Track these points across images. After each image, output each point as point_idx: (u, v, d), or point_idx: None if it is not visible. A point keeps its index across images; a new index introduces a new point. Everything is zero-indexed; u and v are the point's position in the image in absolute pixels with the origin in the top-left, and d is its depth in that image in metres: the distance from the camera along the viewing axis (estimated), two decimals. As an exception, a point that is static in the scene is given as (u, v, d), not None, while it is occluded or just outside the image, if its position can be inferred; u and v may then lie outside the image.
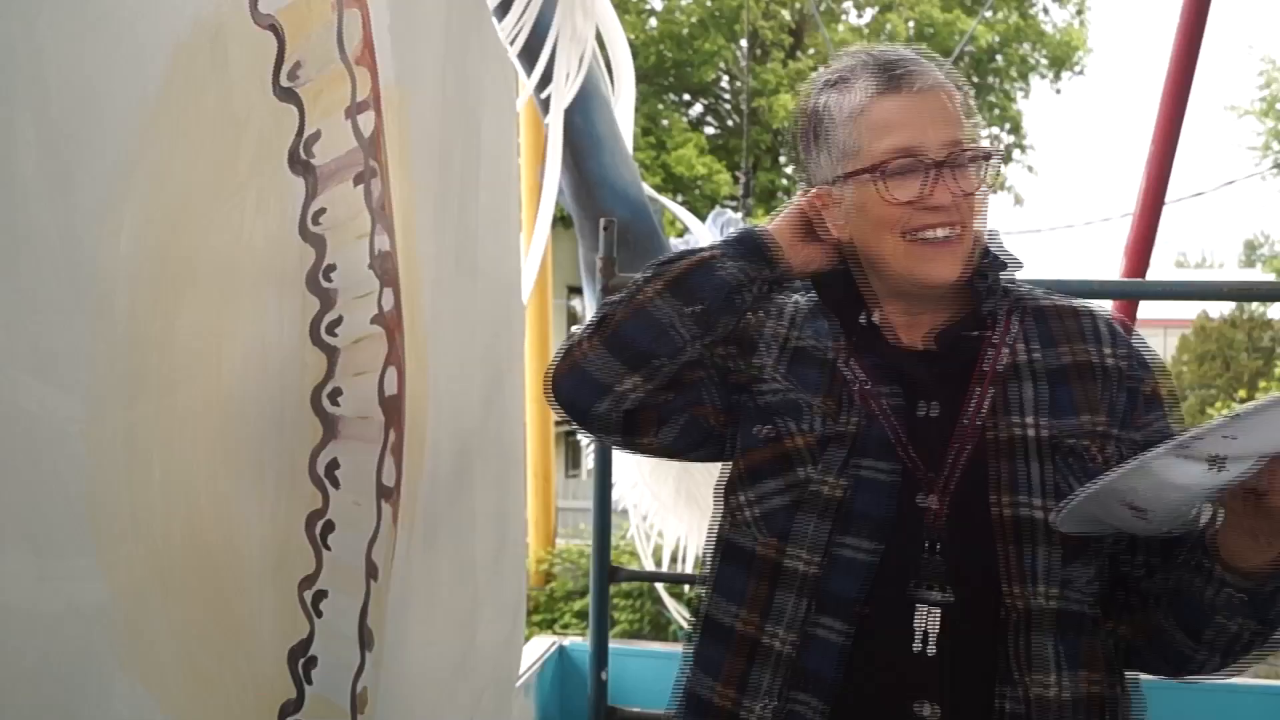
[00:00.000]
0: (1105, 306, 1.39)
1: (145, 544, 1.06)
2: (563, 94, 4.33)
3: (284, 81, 1.22)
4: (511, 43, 4.08)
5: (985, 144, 1.29)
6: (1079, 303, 1.36)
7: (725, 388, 1.39)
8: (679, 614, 6.29)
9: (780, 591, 1.29)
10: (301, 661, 1.28)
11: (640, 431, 1.39)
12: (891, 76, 1.26)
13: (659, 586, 6.40)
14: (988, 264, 1.32)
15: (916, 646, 1.22)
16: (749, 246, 1.36)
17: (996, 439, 1.26)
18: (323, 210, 1.29)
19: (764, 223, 1.41)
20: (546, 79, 4.29)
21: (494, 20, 2.31)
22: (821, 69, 1.38)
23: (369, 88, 1.38)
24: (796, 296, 1.44)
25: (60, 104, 0.94)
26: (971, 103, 1.32)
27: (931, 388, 1.30)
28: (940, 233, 1.25)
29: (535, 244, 4.44)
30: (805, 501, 1.29)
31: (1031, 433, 1.26)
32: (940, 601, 1.23)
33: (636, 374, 1.32)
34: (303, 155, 1.26)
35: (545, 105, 4.50)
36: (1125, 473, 1.06)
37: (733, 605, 1.33)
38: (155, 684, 1.08)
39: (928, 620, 1.23)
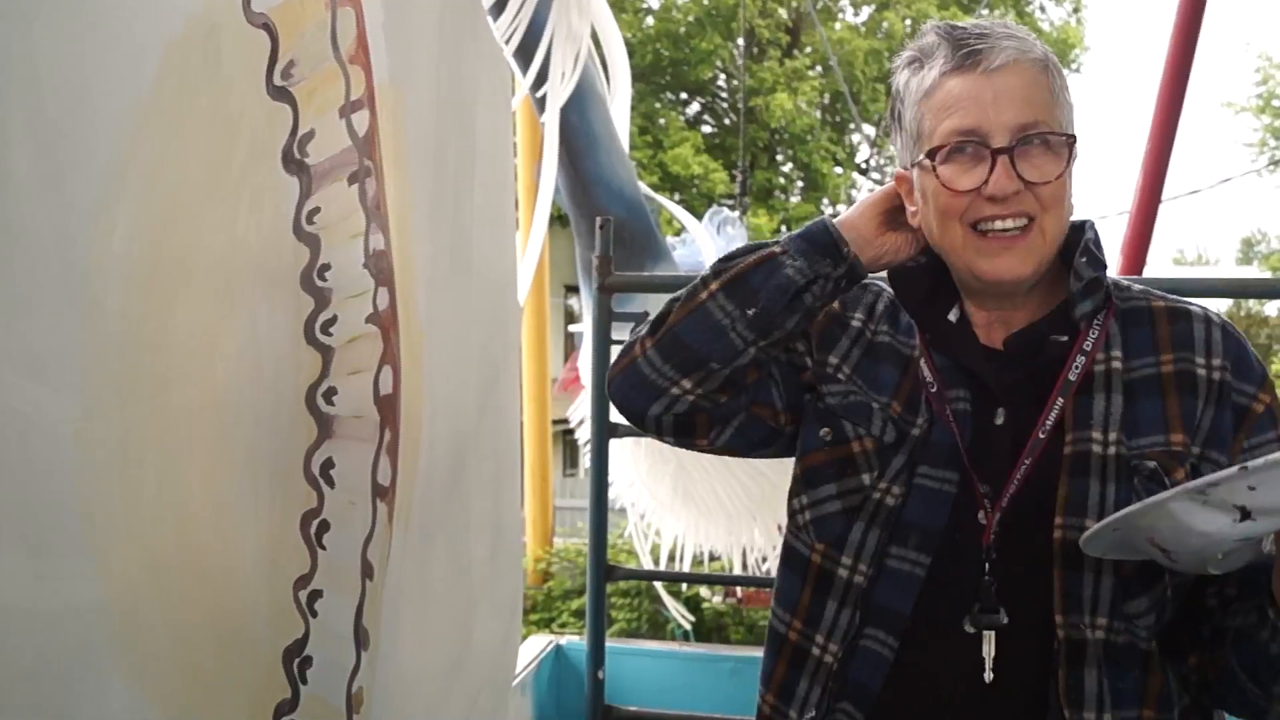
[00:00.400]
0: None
1: (139, 544, 1.06)
2: (559, 92, 4.33)
3: (277, 80, 1.22)
4: (507, 41, 4.08)
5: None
6: (1195, 305, 1.25)
7: (793, 386, 1.32)
8: (678, 612, 6.30)
9: (827, 601, 1.24)
10: (296, 661, 1.28)
11: (696, 433, 1.32)
12: (963, 54, 1.16)
13: (658, 585, 6.41)
14: (1085, 262, 1.21)
15: (966, 669, 1.15)
16: (817, 242, 1.25)
17: (1066, 454, 1.17)
18: (317, 209, 1.29)
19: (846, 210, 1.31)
20: (542, 77, 4.29)
21: (489, 19, 2.30)
22: (907, 43, 1.27)
23: (363, 87, 1.38)
24: (886, 288, 1.35)
25: (55, 104, 0.94)
26: (1065, 85, 1.21)
27: (1002, 394, 1.21)
28: (1002, 224, 1.16)
29: (533, 243, 4.44)
30: (861, 509, 1.24)
31: (1099, 449, 1.17)
32: (995, 625, 1.15)
33: (689, 378, 1.25)
34: (296, 154, 1.25)
35: (541, 104, 4.50)
36: (1141, 510, 1.00)
37: (785, 613, 1.29)
38: (149, 684, 1.08)
39: (981, 644, 1.15)
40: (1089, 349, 1.20)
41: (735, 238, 6.12)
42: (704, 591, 6.90)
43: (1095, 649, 1.14)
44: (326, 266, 1.31)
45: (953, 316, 1.26)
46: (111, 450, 1.02)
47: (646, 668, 3.02)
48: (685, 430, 1.32)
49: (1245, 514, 0.95)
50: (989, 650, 1.15)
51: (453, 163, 1.71)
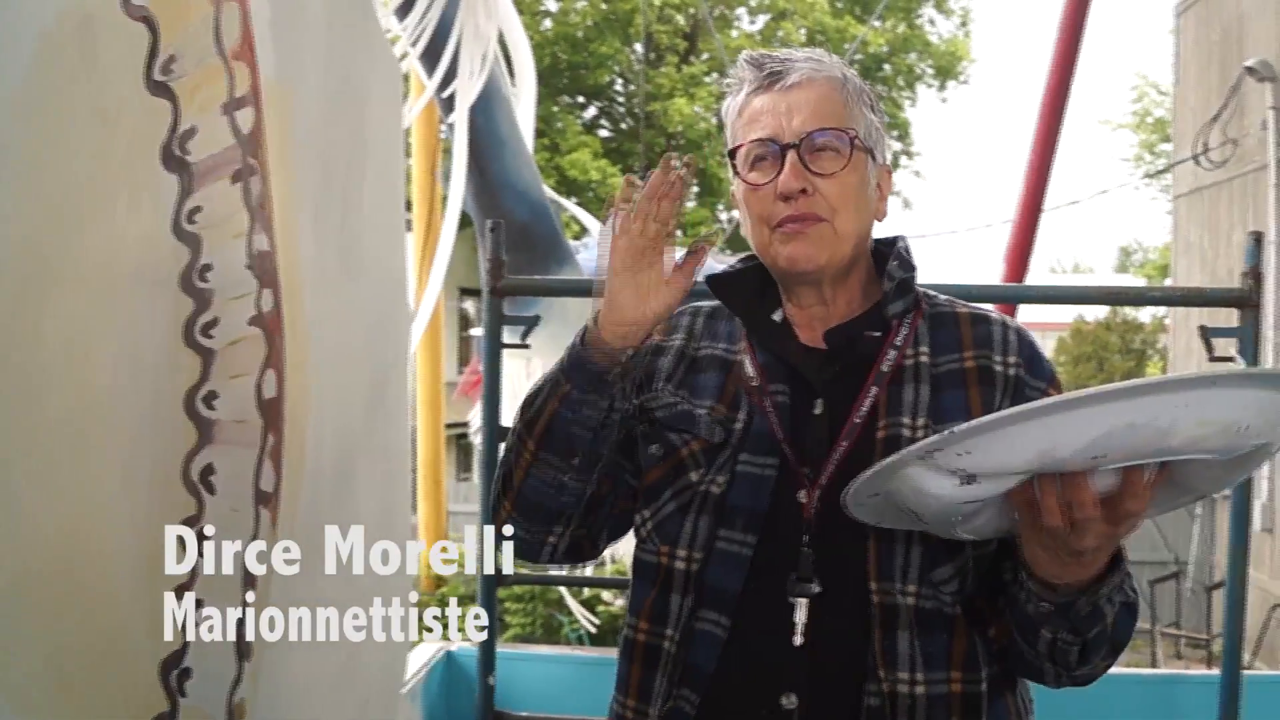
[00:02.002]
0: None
1: (8, 552, 1.02)
2: (468, 92, 4.31)
3: (157, 75, 1.19)
4: (414, 43, 4.04)
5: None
6: (993, 313, 1.37)
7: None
8: (583, 617, 6.30)
9: (670, 595, 1.30)
10: (175, 673, 1.25)
11: (583, 554, 1.41)
12: (764, 75, 1.31)
13: (563, 589, 6.39)
14: (896, 265, 1.34)
15: (785, 638, 1.23)
16: (594, 370, 1.24)
17: (879, 438, 1.27)
18: (198, 208, 1.26)
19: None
20: (449, 77, 4.26)
21: (381, 18, 2.28)
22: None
23: (248, 84, 1.35)
24: (701, 305, 1.42)
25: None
26: (863, 100, 1.33)
27: (819, 386, 1.31)
28: (795, 215, 1.27)
29: (443, 246, 4.39)
30: (691, 503, 1.31)
31: (909, 433, 1.27)
32: (807, 593, 1.24)
33: (557, 524, 1.34)
34: (177, 151, 1.22)
35: (448, 104, 4.46)
36: (881, 472, 1.07)
37: (634, 617, 1.35)
38: (19, 696, 1.05)
39: (796, 612, 1.24)
40: (900, 344, 1.32)
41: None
42: (605, 595, 6.91)
43: (907, 614, 1.24)
44: (208, 267, 1.28)
45: (777, 317, 1.37)
46: (-24, 456, 0.98)
47: (540, 672, 3.00)
48: (574, 556, 1.41)
49: (968, 478, 1.02)
50: (800, 617, 1.24)
51: (342, 163, 1.69)
